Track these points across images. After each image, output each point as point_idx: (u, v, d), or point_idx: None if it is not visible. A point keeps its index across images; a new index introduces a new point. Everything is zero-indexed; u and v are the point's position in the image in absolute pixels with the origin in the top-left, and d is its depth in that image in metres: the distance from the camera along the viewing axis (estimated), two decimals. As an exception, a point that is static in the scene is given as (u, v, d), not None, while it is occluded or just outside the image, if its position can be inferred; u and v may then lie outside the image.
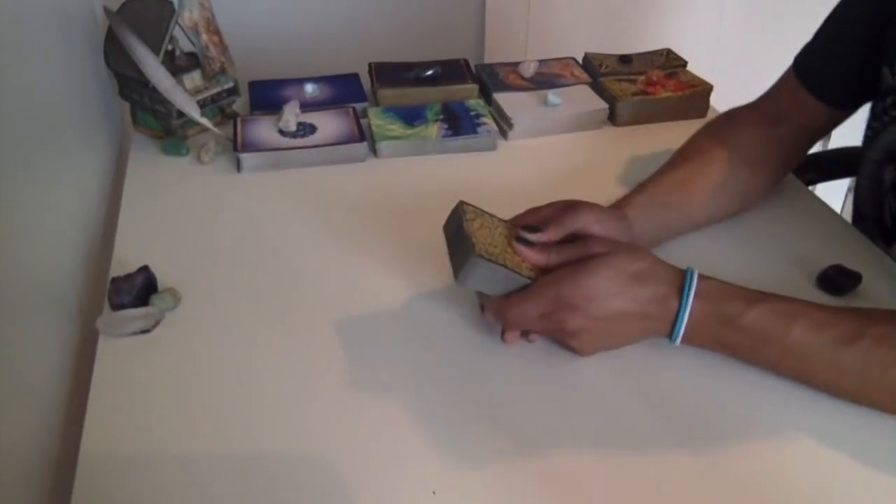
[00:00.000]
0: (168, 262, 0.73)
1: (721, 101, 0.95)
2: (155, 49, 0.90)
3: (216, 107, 0.99)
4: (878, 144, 0.78)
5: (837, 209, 0.85)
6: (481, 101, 1.03)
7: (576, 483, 0.54)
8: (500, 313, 0.62)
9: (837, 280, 0.71)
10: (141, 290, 0.69)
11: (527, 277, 0.61)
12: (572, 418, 0.59)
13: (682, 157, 0.80)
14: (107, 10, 0.91)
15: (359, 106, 1.01)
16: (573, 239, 0.64)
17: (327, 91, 1.06)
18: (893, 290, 0.71)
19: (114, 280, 0.69)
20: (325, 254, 0.77)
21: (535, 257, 0.62)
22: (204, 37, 0.96)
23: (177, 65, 0.96)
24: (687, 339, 0.61)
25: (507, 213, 0.67)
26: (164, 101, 0.92)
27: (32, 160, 0.69)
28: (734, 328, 0.60)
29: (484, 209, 0.66)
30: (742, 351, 0.61)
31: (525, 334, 0.65)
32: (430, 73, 1.07)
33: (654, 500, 0.54)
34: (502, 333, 0.64)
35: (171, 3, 0.92)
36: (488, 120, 0.98)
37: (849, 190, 1.77)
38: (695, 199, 0.77)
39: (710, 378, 0.63)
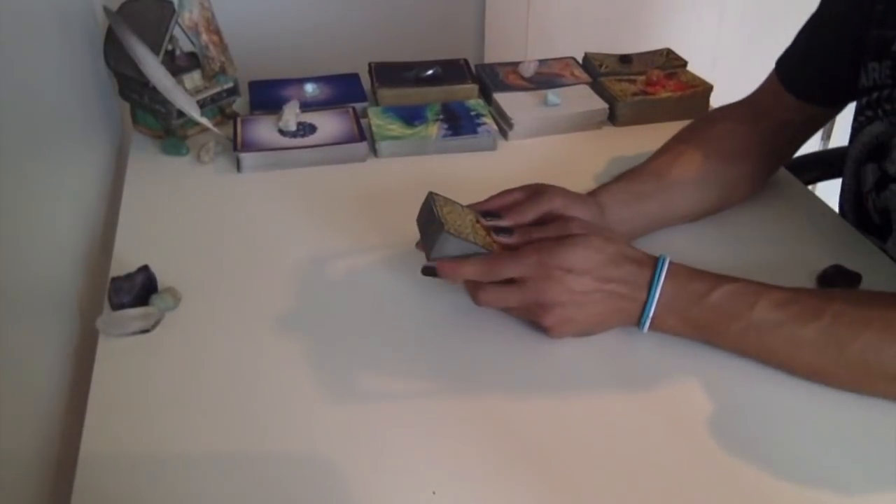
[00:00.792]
0: (168, 261, 0.73)
1: (721, 101, 0.95)
2: (155, 49, 0.90)
3: (216, 107, 0.99)
4: (858, 143, 0.78)
5: (837, 209, 0.86)
6: (481, 101, 1.03)
7: (577, 483, 0.54)
8: (485, 268, 0.63)
9: (837, 280, 0.71)
10: (141, 289, 0.69)
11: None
12: (572, 417, 0.59)
13: (661, 150, 0.81)
14: (107, 10, 0.91)
15: (359, 106, 1.01)
16: (543, 222, 0.66)
17: (327, 91, 1.06)
18: (893, 289, 0.71)
19: (114, 280, 0.69)
20: (325, 253, 0.77)
21: (510, 241, 0.65)
22: (204, 37, 0.96)
23: (177, 65, 0.96)
24: (657, 320, 0.63)
25: (507, 213, 0.68)
26: (164, 101, 0.92)
27: (32, 160, 0.69)
28: (702, 306, 0.62)
29: (454, 200, 0.68)
30: (709, 330, 0.63)
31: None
32: (430, 73, 1.07)
33: (658, 500, 0.54)
34: (475, 295, 0.65)
35: (171, 3, 0.91)
36: (488, 120, 0.98)
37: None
38: (672, 190, 0.77)
39: (709, 370, 0.63)
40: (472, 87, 1.06)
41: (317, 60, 1.21)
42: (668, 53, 1.13)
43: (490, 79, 1.08)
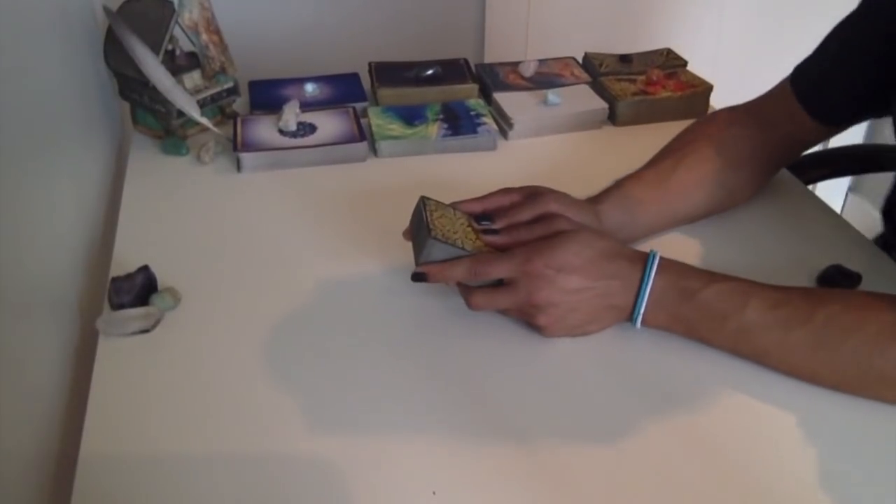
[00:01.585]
0: (168, 261, 0.74)
1: (721, 102, 0.95)
2: (155, 49, 0.90)
3: (216, 106, 0.99)
4: None
5: (837, 209, 0.85)
6: (481, 101, 1.03)
7: (577, 482, 0.54)
8: (473, 269, 0.63)
9: (837, 280, 0.71)
10: (141, 289, 0.69)
11: None
12: (571, 416, 0.59)
13: (662, 154, 0.80)
14: (107, 10, 0.91)
15: (359, 106, 1.01)
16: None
17: (327, 91, 1.06)
18: (893, 290, 0.71)
19: (114, 280, 0.69)
20: (325, 253, 0.77)
21: (500, 241, 0.65)
22: (204, 36, 0.96)
23: (177, 64, 0.96)
24: (649, 315, 0.63)
25: (507, 213, 0.68)
26: (164, 101, 0.92)
27: (32, 160, 0.69)
28: (693, 304, 0.62)
29: (447, 203, 0.68)
30: (701, 329, 0.63)
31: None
32: (430, 72, 1.07)
33: (660, 499, 0.54)
34: (468, 300, 0.65)
35: (171, 3, 0.92)
36: (488, 120, 0.98)
37: (849, 190, 1.78)
38: (673, 196, 0.77)
39: (708, 370, 0.63)
40: (472, 87, 1.06)
41: (317, 60, 1.22)
42: (669, 53, 1.13)
43: (490, 78, 1.08)
